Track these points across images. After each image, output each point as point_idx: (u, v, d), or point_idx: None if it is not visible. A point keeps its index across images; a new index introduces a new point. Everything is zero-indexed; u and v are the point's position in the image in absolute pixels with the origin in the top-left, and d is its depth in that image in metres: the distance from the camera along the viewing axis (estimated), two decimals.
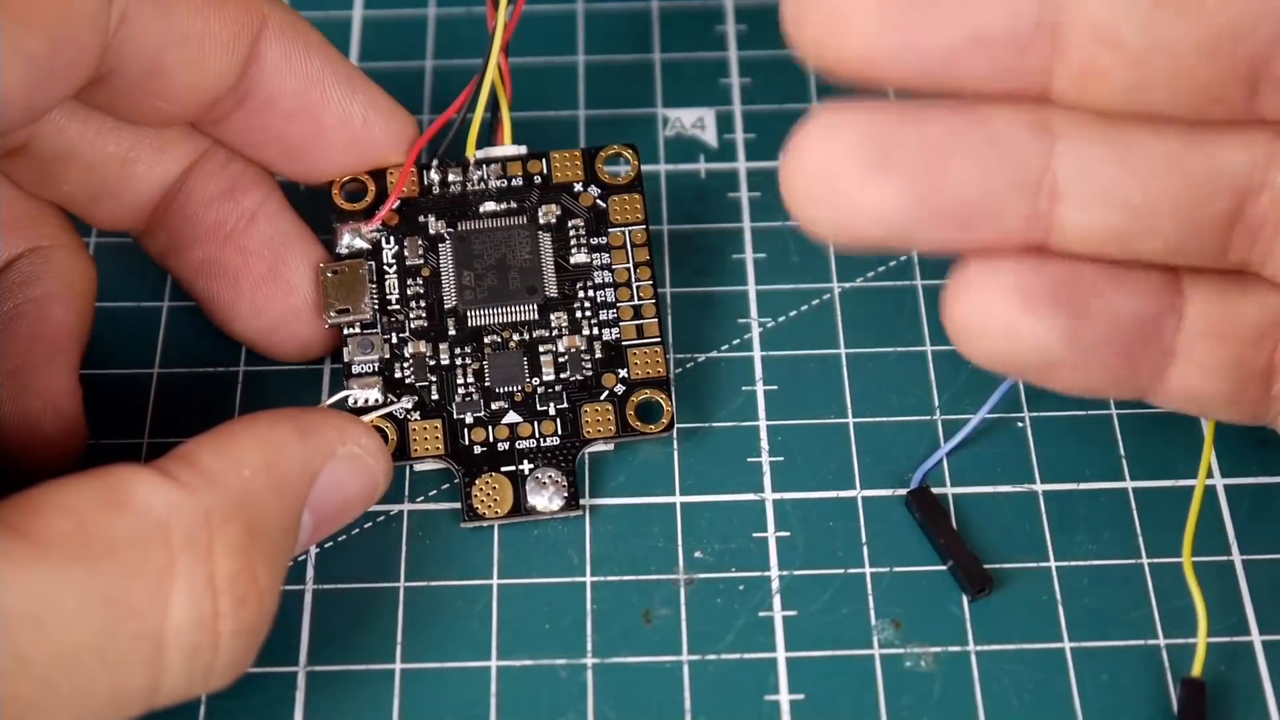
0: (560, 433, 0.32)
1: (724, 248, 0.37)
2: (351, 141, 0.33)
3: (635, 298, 0.33)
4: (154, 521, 0.24)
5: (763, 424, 0.34)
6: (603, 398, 0.33)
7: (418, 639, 0.31)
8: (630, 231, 0.34)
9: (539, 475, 0.32)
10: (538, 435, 0.32)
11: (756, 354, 0.35)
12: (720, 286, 0.36)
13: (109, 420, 0.33)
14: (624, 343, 0.33)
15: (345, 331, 0.33)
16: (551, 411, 0.32)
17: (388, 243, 0.34)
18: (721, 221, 0.37)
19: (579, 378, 0.33)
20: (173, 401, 0.34)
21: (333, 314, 0.33)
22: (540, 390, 0.33)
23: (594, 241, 0.34)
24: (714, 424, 0.34)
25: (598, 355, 0.33)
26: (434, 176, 0.34)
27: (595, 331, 0.33)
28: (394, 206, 0.34)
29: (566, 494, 0.32)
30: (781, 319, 0.35)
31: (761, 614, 0.31)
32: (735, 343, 0.35)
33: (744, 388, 0.34)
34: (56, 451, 0.31)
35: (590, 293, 0.33)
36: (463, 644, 0.31)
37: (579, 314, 0.33)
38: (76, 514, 0.24)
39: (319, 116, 0.32)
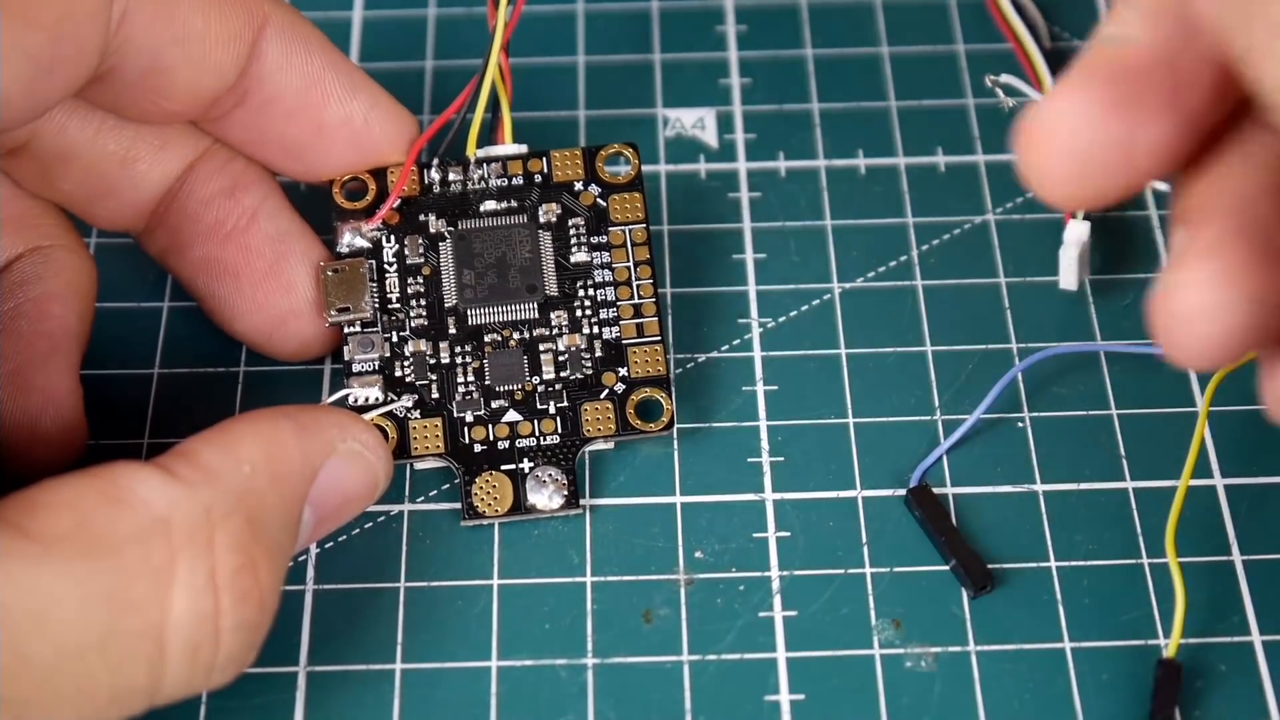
0: (560, 431, 0.32)
1: (724, 248, 0.37)
2: (352, 140, 0.33)
3: (635, 296, 0.33)
4: (155, 518, 0.24)
5: (763, 424, 0.34)
6: (603, 396, 0.33)
7: (418, 639, 0.31)
8: (630, 230, 0.34)
9: (539, 474, 0.32)
10: (538, 434, 0.32)
11: (756, 354, 0.35)
12: (720, 286, 0.36)
13: (109, 420, 0.33)
14: (624, 341, 0.33)
15: (345, 330, 0.33)
16: (551, 410, 0.32)
17: (388, 241, 0.34)
18: (721, 221, 0.37)
19: (579, 376, 0.33)
20: (173, 401, 0.34)
21: (333, 313, 0.33)
22: (540, 389, 0.33)
23: (594, 240, 0.34)
24: (714, 424, 0.34)
25: (598, 354, 0.33)
26: (434, 175, 0.34)
27: (595, 330, 0.33)
28: (394, 205, 0.34)
29: (566, 492, 0.32)
30: (781, 319, 0.35)
31: (761, 614, 0.31)
32: (735, 343, 0.35)
33: (744, 388, 0.34)
34: (57, 451, 0.31)
35: (590, 291, 0.33)
36: (463, 644, 0.31)
37: (579, 312, 0.33)
38: (77, 511, 0.24)
39: (320, 115, 0.32)
